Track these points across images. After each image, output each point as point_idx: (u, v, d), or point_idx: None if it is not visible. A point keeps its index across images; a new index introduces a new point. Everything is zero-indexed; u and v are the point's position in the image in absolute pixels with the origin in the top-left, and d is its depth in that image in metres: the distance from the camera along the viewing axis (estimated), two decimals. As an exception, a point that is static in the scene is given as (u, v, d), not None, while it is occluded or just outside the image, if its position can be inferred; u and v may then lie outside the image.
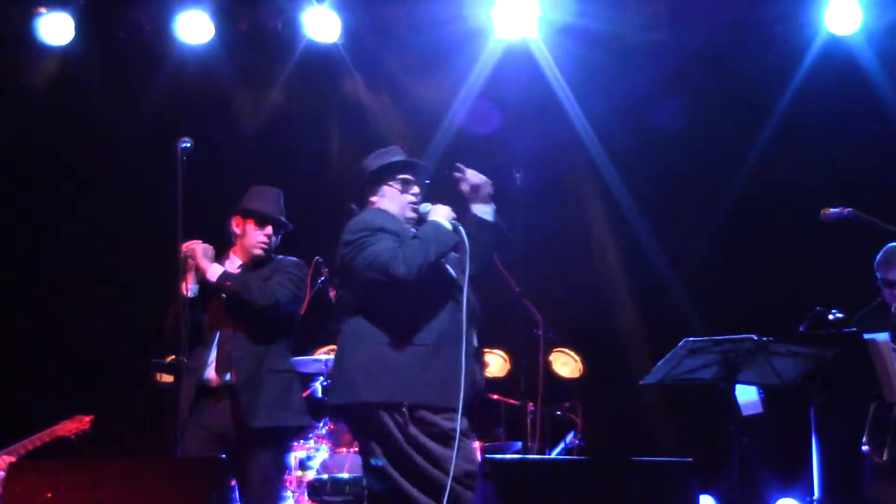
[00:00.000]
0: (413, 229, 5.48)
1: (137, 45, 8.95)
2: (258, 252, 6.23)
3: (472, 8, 8.71)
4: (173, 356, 5.99)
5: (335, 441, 7.61)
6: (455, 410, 5.20)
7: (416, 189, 5.61)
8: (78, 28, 8.77)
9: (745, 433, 5.90)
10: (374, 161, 5.62)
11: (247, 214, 6.24)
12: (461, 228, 5.41)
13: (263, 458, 6.02)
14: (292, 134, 9.23)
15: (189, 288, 6.01)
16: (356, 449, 7.32)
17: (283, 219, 6.29)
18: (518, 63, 8.90)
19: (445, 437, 5.17)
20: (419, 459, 5.18)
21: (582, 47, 8.87)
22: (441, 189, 5.69)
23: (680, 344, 5.34)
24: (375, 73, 9.28)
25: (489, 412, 8.51)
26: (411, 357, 5.26)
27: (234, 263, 6.25)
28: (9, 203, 9.08)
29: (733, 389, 5.98)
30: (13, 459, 7.29)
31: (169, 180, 5.70)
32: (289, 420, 6.13)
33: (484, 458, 4.95)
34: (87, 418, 7.84)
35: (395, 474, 5.19)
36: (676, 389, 7.58)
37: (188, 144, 5.72)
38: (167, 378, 7.50)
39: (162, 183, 5.93)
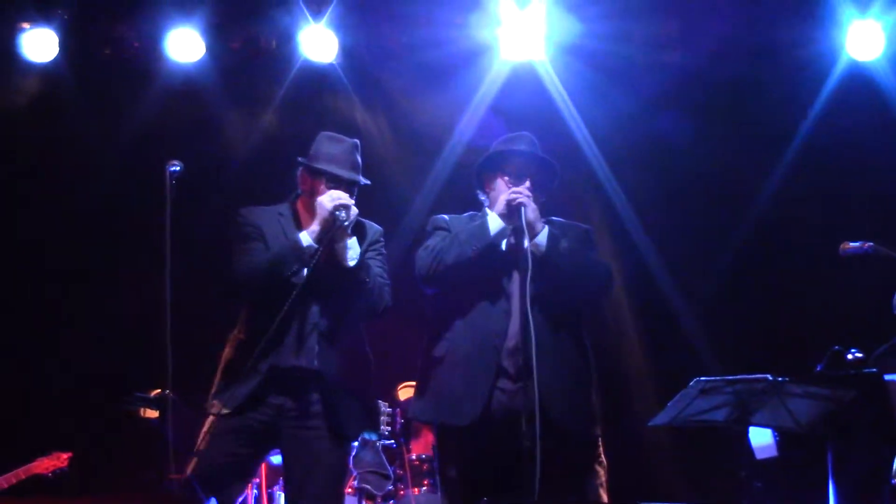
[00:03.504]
0: None
1: (125, 62, 8.95)
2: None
3: (475, 28, 8.76)
4: (158, 390, 5.90)
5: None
6: None
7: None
8: (62, 44, 8.78)
9: (758, 478, 5.92)
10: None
11: (315, 174, 5.80)
12: None
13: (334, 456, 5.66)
14: (286, 157, 9.20)
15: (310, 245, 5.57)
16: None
17: (360, 177, 5.76)
18: (523, 86, 8.95)
19: None
20: None
21: (590, 70, 8.92)
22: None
23: (691, 383, 5.38)
24: (373, 94, 9.31)
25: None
26: None
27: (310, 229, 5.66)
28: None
29: (746, 432, 6.02)
30: (-15, 498, 7.31)
31: (157, 206, 5.61)
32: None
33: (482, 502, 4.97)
34: (65, 455, 7.82)
35: None
36: (686, 431, 7.59)
37: (178, 168, 5.58)
38: (151, 413, 7.45)
39: (150, 208, 5.87)
